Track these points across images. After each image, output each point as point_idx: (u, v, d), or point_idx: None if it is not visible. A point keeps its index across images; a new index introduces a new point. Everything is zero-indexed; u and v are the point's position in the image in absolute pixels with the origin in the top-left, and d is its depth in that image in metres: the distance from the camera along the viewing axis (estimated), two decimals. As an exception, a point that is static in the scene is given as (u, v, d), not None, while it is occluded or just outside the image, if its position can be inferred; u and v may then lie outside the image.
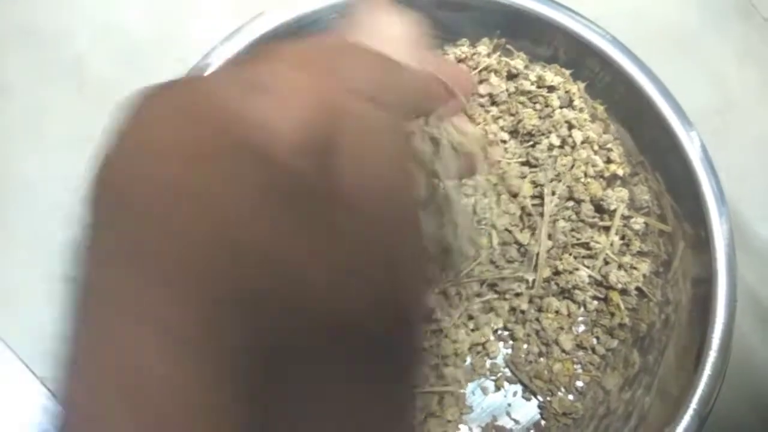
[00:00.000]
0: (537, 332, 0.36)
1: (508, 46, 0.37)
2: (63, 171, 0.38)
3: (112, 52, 0.42)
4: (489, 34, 0.37)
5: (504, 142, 0.37)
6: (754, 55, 0.43)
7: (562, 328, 0.36)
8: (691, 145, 0.34)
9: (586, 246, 0.36)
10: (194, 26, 0.42)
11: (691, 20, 0.44)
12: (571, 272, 0.36)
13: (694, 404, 0.31)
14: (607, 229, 0.36)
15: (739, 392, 0.35)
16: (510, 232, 0.36)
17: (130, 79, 0.40)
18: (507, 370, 0.36)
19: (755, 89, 0.43)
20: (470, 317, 0.36)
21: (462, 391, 0.35)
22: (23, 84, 0.41)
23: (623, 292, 0.36)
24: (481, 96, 0.37)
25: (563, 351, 0.36)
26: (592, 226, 0.36)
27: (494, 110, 0.37)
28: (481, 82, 0.38)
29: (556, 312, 0.36)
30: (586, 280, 0.35)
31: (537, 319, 0.36)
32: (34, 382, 0.36)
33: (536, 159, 0.36)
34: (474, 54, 0.38)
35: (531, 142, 0.37)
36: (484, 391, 0.36)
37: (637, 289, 0.36)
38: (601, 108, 0.37)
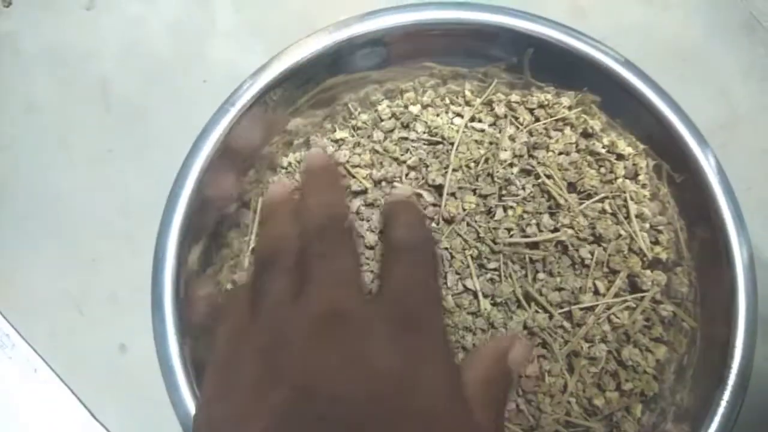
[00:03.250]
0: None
1: (592, 105, 0.38)
2: (89, 185, 0.41)
3: (136, 71, 0.43)
4: (576, 86, 0.38)
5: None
6: (758, 68, 0.43)
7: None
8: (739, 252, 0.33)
9: (607, 318, 0.36)
10: (213, 45, 0.44)
11: (696, 35, 0.44)
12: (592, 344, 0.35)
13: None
14: (631, 308, 0.36)
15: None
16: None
17: (153, 98, 0.43)
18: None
19: (760, 102, 0.43)
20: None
21: None
22: (50, 103, 0.43)
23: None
24: (548, 150, 0.38)
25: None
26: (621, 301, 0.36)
27: (562, 160, 0.38)
28: (556, 130, 0.39)
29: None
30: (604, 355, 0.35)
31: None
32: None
33: (586, 216, 0.37)
34: (556, 103, 0.39)
35: (585, 202, 0.37)
36: None
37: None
38: (664, 190, 0.37)
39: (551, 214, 0.37)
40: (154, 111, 0.42)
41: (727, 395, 0.32)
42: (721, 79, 0.43)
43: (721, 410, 0.32)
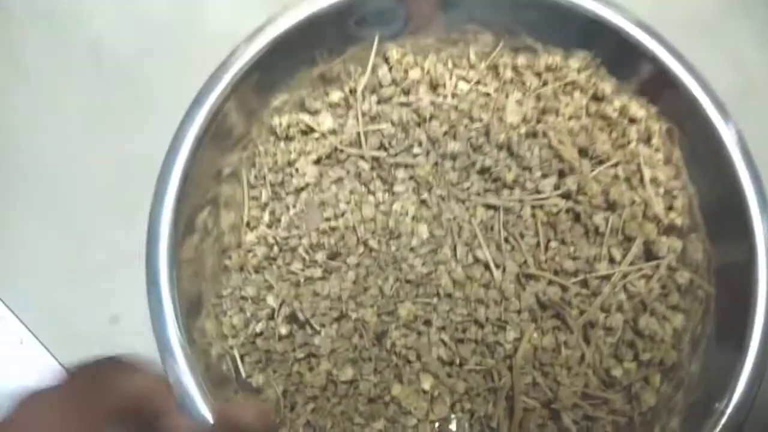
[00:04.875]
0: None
1: (602, 68, 0.37)
2: (82, 149, 0.39)
3: (129, 34, 0.41)
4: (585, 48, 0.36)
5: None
6: (774, 39, 0.42)
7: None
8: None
9: (623, 287, 0.35)
10: (212, 9, 0.42)
11: (711, 5, 0.43)
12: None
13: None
14: (647, 276, 0.35)
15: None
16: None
17: (149, 64, 0.41)
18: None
19: (776, 73, 0.42)
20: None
21: None
22: (41, 66, 0.41)
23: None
24: (558, 114, 0.37)
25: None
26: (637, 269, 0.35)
27: (572, 125, 0.36)
28: (565, 94, 0.37)
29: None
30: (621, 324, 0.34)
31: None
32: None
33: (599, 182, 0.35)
34: (564, 66, 0.37)
35: (597, 168, 0.36)
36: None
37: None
38: (678, 154, 0.36)
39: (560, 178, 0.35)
40: (150, 77, 0.40)
41: (750, 361, 0.31)
42: (737, 50, 0.42)
43: (744, 376, 0.31)
